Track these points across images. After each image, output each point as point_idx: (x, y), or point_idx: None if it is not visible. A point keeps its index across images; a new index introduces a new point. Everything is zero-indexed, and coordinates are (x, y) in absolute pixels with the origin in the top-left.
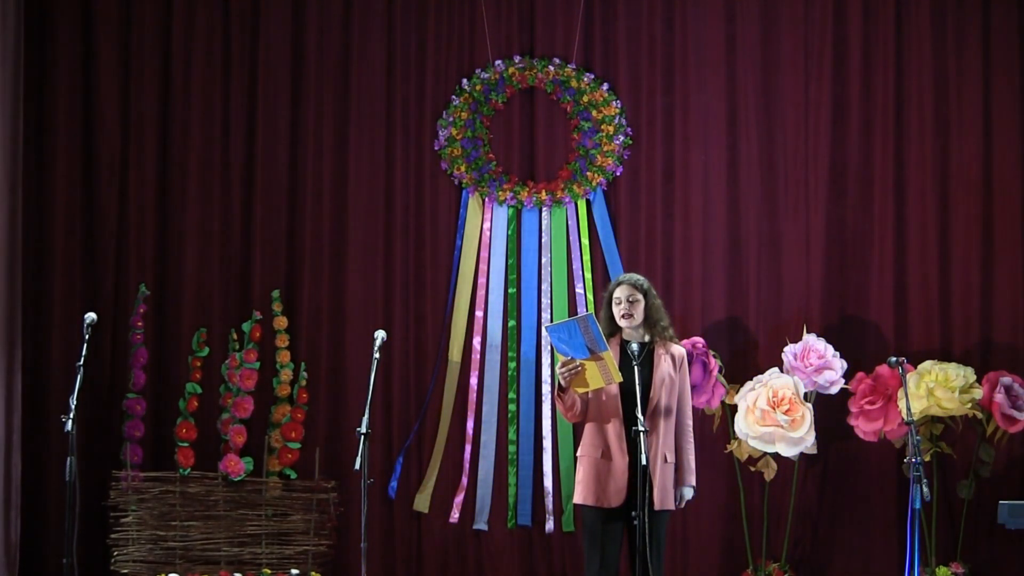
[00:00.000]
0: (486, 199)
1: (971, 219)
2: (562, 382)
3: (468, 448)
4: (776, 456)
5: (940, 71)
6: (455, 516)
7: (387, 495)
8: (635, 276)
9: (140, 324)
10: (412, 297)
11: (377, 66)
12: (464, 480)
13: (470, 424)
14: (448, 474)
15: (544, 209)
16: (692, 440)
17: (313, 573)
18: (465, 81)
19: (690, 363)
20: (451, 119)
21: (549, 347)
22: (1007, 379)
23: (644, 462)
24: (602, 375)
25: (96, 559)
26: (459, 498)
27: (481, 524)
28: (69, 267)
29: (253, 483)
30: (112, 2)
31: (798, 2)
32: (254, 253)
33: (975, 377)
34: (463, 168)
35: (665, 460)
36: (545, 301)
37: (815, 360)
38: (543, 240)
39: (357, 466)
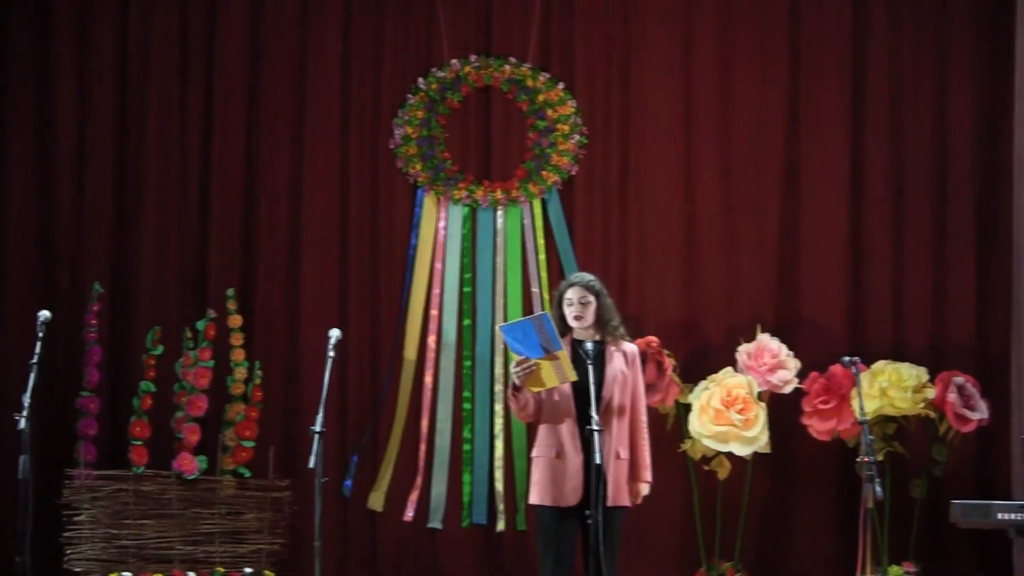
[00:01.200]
0: (441, 198)
1: (924, 219)
2: (516, 381)
3: (423, 447)
4: (730, 455)
5: (896, 71)
6: (409, 515)
7: (342, 494)
8: (586, 276)
9: (94, 322)
10: (367, 296)
11: (333, 65)
12: (419, 479)
13: (424, 423)
14: (402, 473)
15: (499, 208)
16: (646, 436)
17: (267, 572)
18: (421, 80)
19: (644, 362)
20: (407, 118)
21: (503, 347)
22: (960, 379)
23: (598, 460)
24: (557, 374)
25: (49, 558)
26: (413, 496)
27: (435, 523)
28: (24, 265)
29: (207, 482)
30: (69, 1)
31: (754, 1)
32: (209, 251)
33: (928, 377)
34: (418, 167)
35: (619, 457)
36: (500, 300)
37: (769, 359)
38: (498, 239)
39: (311, 464)
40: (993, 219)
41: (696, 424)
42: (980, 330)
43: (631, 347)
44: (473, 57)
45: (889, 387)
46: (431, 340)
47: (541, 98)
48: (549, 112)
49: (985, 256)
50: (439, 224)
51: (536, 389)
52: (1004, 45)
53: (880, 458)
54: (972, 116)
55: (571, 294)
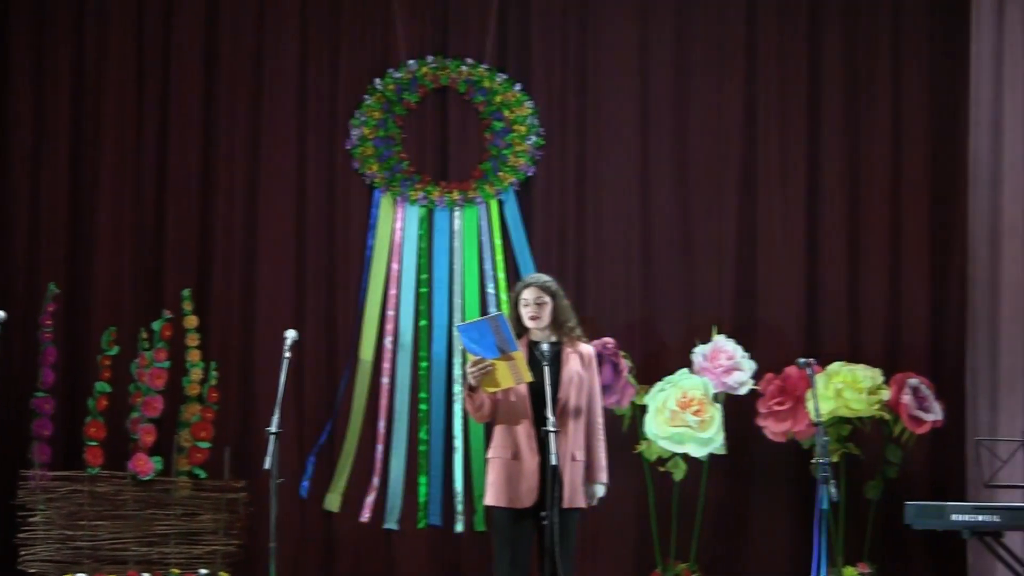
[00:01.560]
0: (398, 199)
1: (880, 222)
2: (472, 381)
3: (379, 448)
4: (685, 456)
5: (852, 75)
6: (366, 516)
7: (298, 495)
8: (542, 277)
9: (49, 323)
10: (324, 297)
11: (290, 65)
12: (375, 480)
13: (381, 424)
14: (359, 474)
15: (456, 209)
16: (602, 438)
17: (222, 573)
18: (378, 80)
19: (601, 364)
20: (363, 118)
21: (460, 347)
22: (914, 380)
23: (554, 461)
24: (512, 375)
25: (3, 559)
26: (370, 498)
27: (391, 524)
28: None
29: (162, 483)
30: (25, 1)
31: (711, 4)
32: (166, 252)
33: (883, 378)
34: (375, 168)
35: (574, 459)
36: (457, 301)
37: (724, 361)
38: (455, 240)
39: (267, 465)
40: (948, 222)
41: (652, 425)
42: (935, 332)
43: (587, 348)
44: (430, 58)
45: (844, 389)
46: (387, 341)
47: (498, 99)
48: (506, 113)
49: (940, 259)
50: (396, 225)
51: (492, 389)
52: (960, 50)
53: (835, 459)
54: (928, 120)
55: (527, 295)
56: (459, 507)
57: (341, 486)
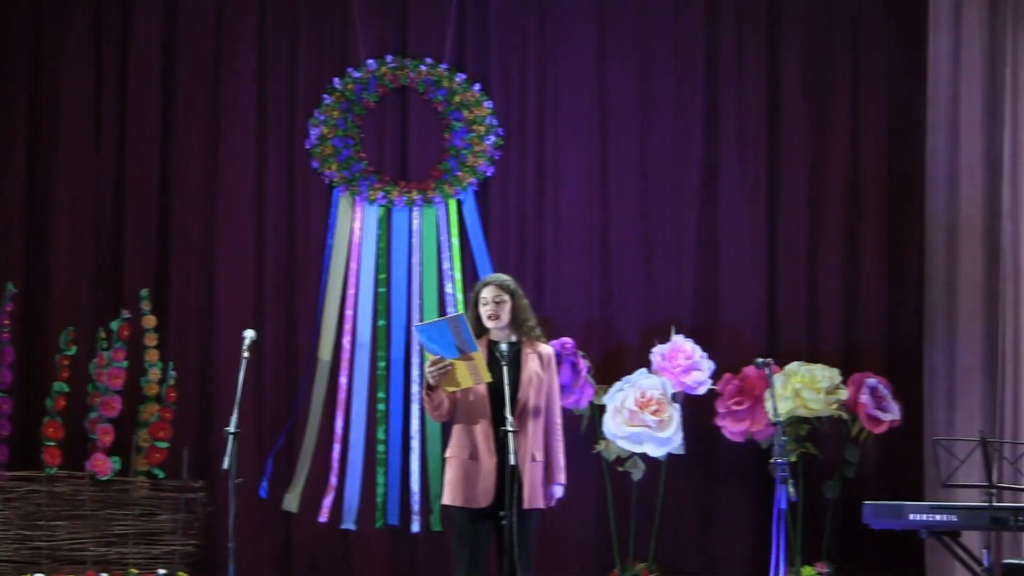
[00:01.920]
0: (357, 198)
1: (839, 222)
2: (431, 380)
3: (337, 448)
4: (644, 456)
5: (812, 75)
6: (324, 516)
7: (257, 495)
8: (502, 276)
9: (7, 322)
10: (283, 296)
11: (249, 65)
12: (333, 480)
13: (339, 424)
14: (317, 474)
15: (415, 209)
16: (561, 439)
17: (181, 573)
18: (337, 80)
19: (559, 363)
20: (322, 118)
21: (419, 347)
22: (872, 380)
23: (513, 462)
24: (471, 375)
25: None
26: (328, 498)
27: (349, 524)
28: None
29: (121, 483)
30: None
31: (671, 3)
32: (124, 251)
33: (841, 378)
34: (334, 167)
35: (534, 459)
36: (415, 301)
37: (683, 361)
38: (413, 240)
39: (225, 465)
40: (906, 222)
41: (610, 425)
42: (893, 332)
43: (547, 349)
44: (389, 58)
45: (802, 388)
46: (346, 340)
47: (457, 99)
48: (465, 113)
49: (898, 259)
50: (354, 224)
51: (451, 389)
52: (917, 50)
53: (793, 459)
54: (886, 120)
55: (486, 294)
56: (416, 507)
57: (299, 486)
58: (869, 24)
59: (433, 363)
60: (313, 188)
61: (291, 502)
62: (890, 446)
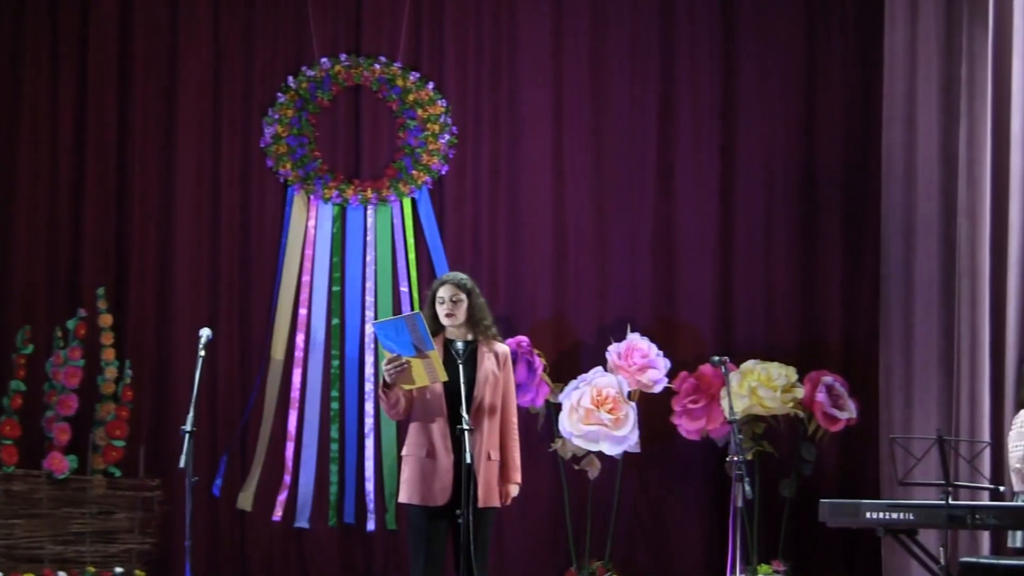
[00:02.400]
0: (311, 197)
1: (795, 219)
2: (387, 379)
3: (290, 446)
4: (600, 455)
5: (765, 71)
6: (278, 514)
7: (212, 493)
8: (458, 275)
9: None
10: (237, 295)
11: (203, 63)
12: (287, 478)
13: (292, 422)
14: (271, 472)
15: (369, 207)
16: (516, 438)
17: (137, 571)
18: (291, 78)
19: (515, 362)
20: (277, 116)
21: (373, 346)
22: (829, 378)
23: (468, 460)
24: (427, 373)
25: None
26: (282, 496)
27: (302, 522)
28: None
29: (77, 481)
30: None
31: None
32: (81, 250)
33: (797, 376)
34: (288, 166)
35: (489, 458)
36: (369, 299)
37: (639, 359)
38: (368, 238)
39: (182, 464)
40: (862, 219)
41: (566, 423)
42: (849, 329)
43: (503, 348)
44: (343, 56)
45: (758, 386)
46: (300, 339)
47: (411, 97)
48: (419, 112)
49: (855, 256)
50: (309, 223)
51: (407, 387)
52: (873, 44)
53: (749, 457)
54: (841, 117)
55: (443, 292)
56: (371, 505)
57: (253, 485)
58: (825, 18)
59: (390, 361)
60: (268, 186)
61: (245, 500)
62: (846, 444)
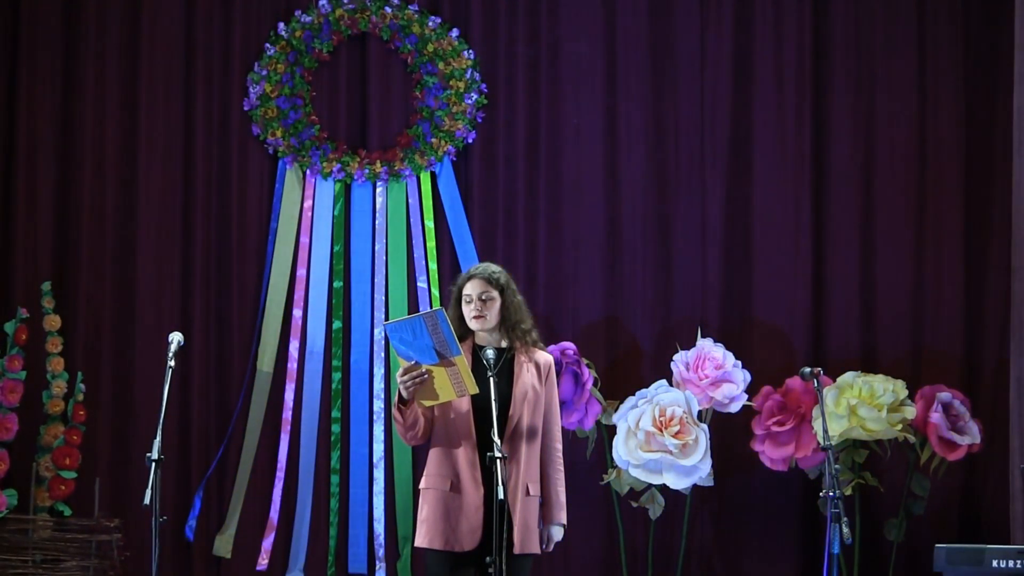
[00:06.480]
0: (307, 172)
1: (902, 200)
2: (404, 393)
3: (280, 478)
4: (663, 489)
5: (865, 15)
6: (263, 562)
7: (184, 536)
8: (490, 267)
9: None
10: (215, 292)
11: (174, 9)
12: (274, 517)
13: (283, 449)
14: (255, 511)
15: (379, 184)
16: (561, 468)
17: None
18: (282, 26)
19: (559, 374)
20: (264, 73)
21: (384, 354)
22: (946, 395)
23: (501, 495)
24: (454, 385)
25: None
26: (268, 541)
27: (296, 572)
28: None
29: (17, 521)
30: None
31: None
32: (15, 238)
33: (906, 392)
34: (279, 133)
35: (528, 493)
36: (379, 298)
37: (711, 371)
38: (377, 222)
39: (147, 500)
40: (985, 201)
41: (622, 451)
42: (970, 336)
43: (545, 357)
44: None
45: (859, 405)
46: (293, 347)
47: (430, 48)
48: (440, 65)
49: (977, 246)
50: (304, 204)
51: (428, 403)
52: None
53: (848, 492)
54: (960, 75)
55: (470, 288)
56: (380, 551)
57: (232, 526)
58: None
59: (406, 370)
60: (253, 159)
61: (223, 546)
62: (968, 476)
